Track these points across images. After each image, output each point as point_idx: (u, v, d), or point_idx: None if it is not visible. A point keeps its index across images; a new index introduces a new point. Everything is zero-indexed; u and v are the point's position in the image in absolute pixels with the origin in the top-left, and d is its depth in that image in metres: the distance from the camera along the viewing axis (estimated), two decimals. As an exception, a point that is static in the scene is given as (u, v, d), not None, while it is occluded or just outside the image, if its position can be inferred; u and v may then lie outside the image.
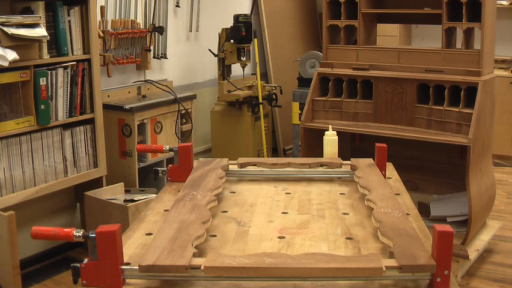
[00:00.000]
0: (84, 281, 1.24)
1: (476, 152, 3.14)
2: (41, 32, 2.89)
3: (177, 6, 4.56)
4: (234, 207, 1.75)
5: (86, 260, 1.25)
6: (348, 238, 1.50)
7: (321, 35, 5.95)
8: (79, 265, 1.24)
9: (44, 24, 3.00)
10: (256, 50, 4.81)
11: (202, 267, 1.21)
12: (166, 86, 4.18)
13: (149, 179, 3.89)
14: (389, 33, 5.76)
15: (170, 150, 2.05)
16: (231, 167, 2.05)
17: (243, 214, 1.68)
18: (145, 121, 3.79)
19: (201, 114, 4.81)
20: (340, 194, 1.88)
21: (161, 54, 4.37)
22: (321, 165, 2.05)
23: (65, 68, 3.19)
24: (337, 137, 2.20)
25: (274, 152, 5.46)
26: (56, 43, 3.15)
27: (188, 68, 4.79)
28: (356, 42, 3.63)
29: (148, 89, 4.17)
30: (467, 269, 3.34)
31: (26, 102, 3.02)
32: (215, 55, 4.65)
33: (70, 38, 3.22)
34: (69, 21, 3.20)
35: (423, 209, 3.59)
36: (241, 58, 4.62)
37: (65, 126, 3.26)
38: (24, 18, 2.84)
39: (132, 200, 3.34)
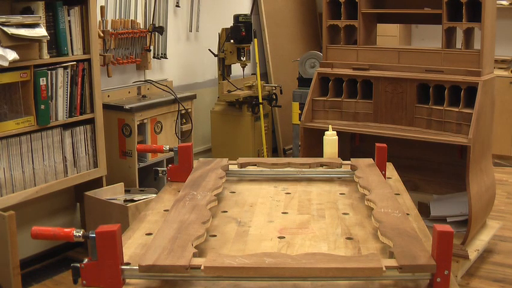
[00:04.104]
0: (84, 281, 1.24)
1: (476, 152, 3.14)
2: (41, 32, 2.89)
3: (177, 6, 4.56)
4: (234, 207, 1.75)
5: (86, 260, 1.25)
6: (348, 238, 1.50)
7: (321, 35, 5.95)
8: (79, 265, 1.24)
9: (44, 24, 3.00)
10: (256, 50, 4.81)
11: (202, 267, 1.21)
12: (166, 86, 4.18)
13: (149, 179, 3.89)
14: (389, 33, 5.76)
15: (170, 150, 2.05)
16: (231, 167, 2.05)
17: (243, 214, 1.68)
18: (145, 121, 3.79)
19: (201, 114, 4.81)
20: (340, 194, 1.87)
21: (161, 54, 4.37)
22: (321, 165, 2.05)
23: (65, 68, 3.19)
24: (337, 137, 2.20)
25: (274, 152, 5.46)
26: (56, 43, 3.15)
27: (188, 68, 4.79)
28: (356, 42, 3.63)
29: (148, 89, 4.17)
30: (467, 269, 3.34)
31: (26, 102, 3.02)
32: (215, 55, 4.65)
33: (70, 38, 3.22)
34: (69, 21, 3.20)
35: (423, 209, 3.59)
36: (241, 58, 4.62)
37: (65, 126, 3.26)
38: (24, 18, 2.85)
39: (132, 200, 3.34)
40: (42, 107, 3.05)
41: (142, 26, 4.13)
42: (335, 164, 2.03)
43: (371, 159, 2.06)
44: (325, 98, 3.66)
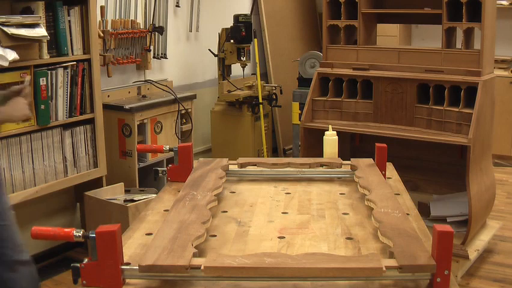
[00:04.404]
0: (84, 281, 1.24)
1: (476, 152, 3.14)
2: (41, 32, 2.89)
3: (177, 6, 4.56)
4: (234, 207, 1.75)
5: (86, 260, 1.24)
6: (348, 238, 1.50)
7: (321, 35, 5.95)
8: (79, 265, 1.24)
9: (44, 24, 3.00)
10: (256, 50, 4.81)
11: (202, 267, 1.21)
12: (166, 86, 4.18)
13: (149, 179, 3.89)
14: (389, 33, 5.76)
15: (170, 150, 2.05)
16: (231, 167, 2.05)
17: (243, 214, 1.68)
18: (145, 121, 3.79)
19: (201, 114, 4.81)
20: (340, 194, 1.87)
21: (161, 54, 4.37)
22: (321, 165, 2.05)
23: (65, 68, 3.19)
24: (337, 137, 2.20)
25: (274, 152, 5.46)
26: (56, 43, 3.15)
27: (188, 68, 4.79)
28: (356, 42, 3.63)
29: (148, 89, 4.17)
30: (467, 269, 3.34)
31: (26, 102, 3.01)
32: (215, 55, 4.65)
33: (70, 38, 3.22)
34: (69, 21, 3.20)
35: (423, 209, 3.59)
36: (241, 58, 4.62)
37: (65, 126, 3.26)
38: (24, 18, 2.84)
39: (132, 200, 3.34)
40: (42, 107, 3.05)
41: (142, 26, 4.13)
42: (335, 164, 2.03)
43: (371, 159, 2.06)
44: (325, 98, 3.66)
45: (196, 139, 4.62)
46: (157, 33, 4.23)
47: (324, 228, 1.56)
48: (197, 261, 1.24)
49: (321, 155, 2.22)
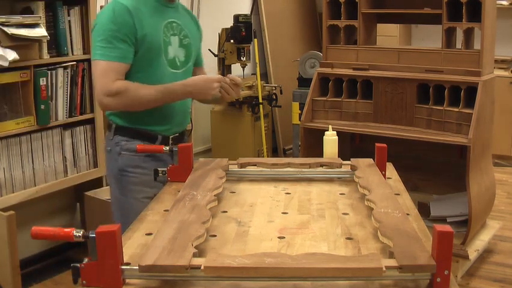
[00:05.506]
0: (84, 281, 1.24)
1: (476, 152, 3.14)
2: (41, 32, 2.89)
3: (177, 6, 4.56)
4: (234, 207, 1.74)
5: (86, 260, 1.24)
6: (348, 238, 1.49)
7: (321, 35, 5.95)
8: (79, 265, 1.24)
9: (44, 24, 3.00)
10: (256, 50, 4.81)
11: (202, 267, 1.21)
12: (166, 86, 4.17)
13: (149, 179, 3.88)
14: (389, 33, 5.76)
15: (170, 150, 2.05)
16: (231, 167, 2.05)
17: (243, 214, 1.68)
18: (145, 121, 3.78)
19: (201, 114, 4.81)
20: (340, 194, 1.87)
21: (161, 54, 4.36)
22: (321, 165, 2.04)
23: (65, 68, 3.19)
24: (337, 137, 2.20)
25: (274, 152, 5.46)
26: (56, 43, 3.15)
27: (188, 68, 4.79)
28: (356, 42, 3.63)
29: (148, 89, 4.16)
30: (467, 269, 3.34)
31: (26, 102, 3.02)
32: (215, 55, 4.65)
33: (70, 38, 3.22)
34: (69, 21, 3.20)
35: (423, 209, 3.59)
36: (241, 58, 4.62)
37: (65, 126, 3.26)
38: (24, 18, 2.85)
39: (132, 200, 3.33)
40: (42, 107, 3.05)
41: (142, 26, 4.13)
42: (335, 164, 2.03)
43: (371, 159, 2.06)
44: (325, 98, 3.66)
45: (196, 139, 4.62)
46: (157, 33, 4.22)
47: (324, 228, 1.56)
48: (197, 261, 1.24)
49: (321, 155, 2.22)
